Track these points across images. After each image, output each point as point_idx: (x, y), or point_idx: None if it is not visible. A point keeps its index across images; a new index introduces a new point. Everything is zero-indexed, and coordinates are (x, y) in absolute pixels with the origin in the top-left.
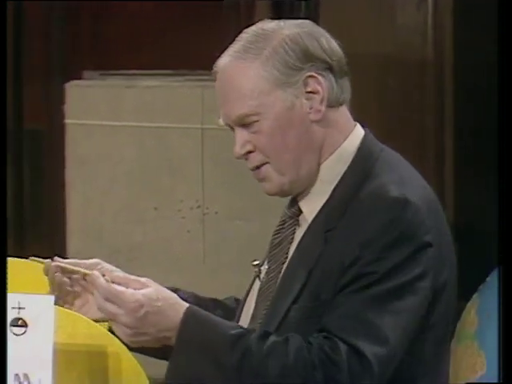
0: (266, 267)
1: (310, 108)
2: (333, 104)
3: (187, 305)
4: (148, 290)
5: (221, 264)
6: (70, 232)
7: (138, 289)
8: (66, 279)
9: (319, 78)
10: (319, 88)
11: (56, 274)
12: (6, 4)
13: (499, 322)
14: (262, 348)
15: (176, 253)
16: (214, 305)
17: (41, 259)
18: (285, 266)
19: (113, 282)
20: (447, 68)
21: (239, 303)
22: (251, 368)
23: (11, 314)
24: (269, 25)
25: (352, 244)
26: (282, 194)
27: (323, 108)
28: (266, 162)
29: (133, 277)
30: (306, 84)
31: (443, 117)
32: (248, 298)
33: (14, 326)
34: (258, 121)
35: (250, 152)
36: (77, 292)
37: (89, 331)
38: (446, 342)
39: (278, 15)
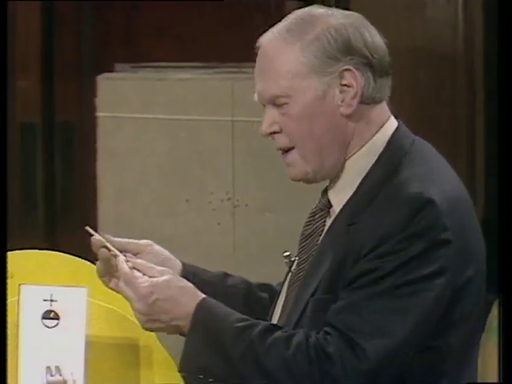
0: (297, 258)
1: (342, 101)
2: (367, 101)
3: (203, 296)
4: (161, 279)
5: (251, 256)
6: (101, 224)
7: (155, 277)
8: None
9: (356, 72)
10: (354, 82)
11: (101, 249)
12: (7, 4)
13: None
14: (264, 341)
15: (206, 245)
16: (263, 287)
17: (92, 232)
18: (312, 257)
19: (134, 268)
20: (477, 61)
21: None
22: (253, 360)
23: (43, 307)
24: (317, 11)
25: (369, 237)
26: (305, 181)
27: (355, 103)
28: (293, 147)
29: (150, 264)
30: (341, 76)
31: (474, 110)
32: (282, 289)
33: (45, 318)
34: (288, 103)
35: (276, 132)
36: None
37: (121, 324)
38: (475, 338)
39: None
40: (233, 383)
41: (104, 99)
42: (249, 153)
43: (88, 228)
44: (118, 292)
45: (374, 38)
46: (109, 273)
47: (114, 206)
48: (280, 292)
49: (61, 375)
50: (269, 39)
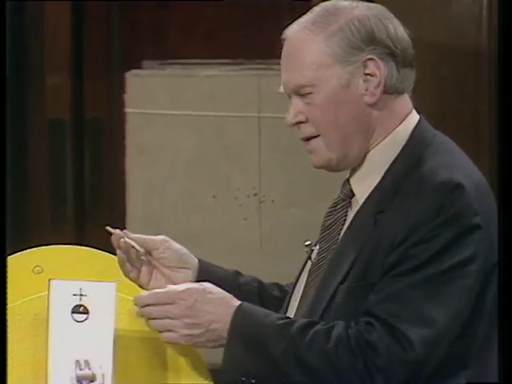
0: (318, 248)
1: (366, 90)
2: (391, 91)
3: (239, 302)
4: (197, 284)
5: (277, 250)
6: (129, 219)
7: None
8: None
9: (379, 62)
10: (377, 72)
11: (122, 240)
12: (6, 4)
13: None
14: (304, 337)
15: (233, 240)
16: (274, 287)
17: (112, 230)
18: (336, 246)
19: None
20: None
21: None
22: (295, 356)
23: (73, 301)
24: (342, 3)
25: (401, 226)
26: (328, 168)
27: (378, 92)
28: (317, 135)
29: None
30: (365, 66)
31: (498, 109)
32: (300, 278)
33: (75, 312)
34: (312, 93)
35: (301, 122)
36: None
37: None
38: (494, 326)
39: None
40: (275, 382)
41: (132, 96)
42: (275, 149)
43: (108, 228)
44: (137, 284)
45: (396, 29)
46: (129, 262)
47: (143, 202)
48: (296, 283)
49: (90, 369)
50: (294, 31)
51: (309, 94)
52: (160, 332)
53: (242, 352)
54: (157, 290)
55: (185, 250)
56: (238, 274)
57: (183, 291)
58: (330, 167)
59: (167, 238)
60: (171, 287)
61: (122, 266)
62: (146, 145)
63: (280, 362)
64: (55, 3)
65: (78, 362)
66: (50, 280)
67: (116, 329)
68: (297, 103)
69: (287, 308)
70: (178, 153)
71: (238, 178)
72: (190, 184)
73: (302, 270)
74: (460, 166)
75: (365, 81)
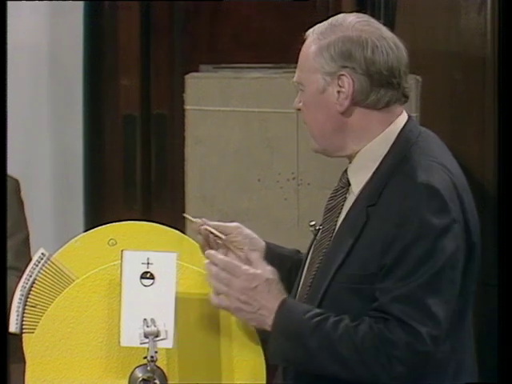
0: (322, 228)
1: (337, 99)
2: (362, 104)
3: (284, 296)
4: (266, 270)
5: None
6: (188, 200)
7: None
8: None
9: (349, 78)
10: (347, 86)
11: (202, 227)
12: (6, 4)
13: None
14: (337, 331)
15: (275, 217)
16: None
17: (191, 218)
18: (335, 228)
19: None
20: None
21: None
22: (328, 349)
23: (141, 269)
24: (348, 19)
25: (389, 223)
26: (322, 153)
27: (346, 103)
28: None
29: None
30: (339, 79)
31: (501, 109)
32: (308, 255)
33: (143, 278)
34: (303, 91)
35: (300, 109)
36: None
37: (205, 283)
38: (469, 305)
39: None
40: (312, 370)
41: (191, 95)
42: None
43: (187, 216)
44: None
45: (377, 53)
46: (208, 245)
47: (199, 185)
48: (306, 257)
49: (155, 326)
50: (309, 35)
51: (302, 90)
52: (213, 293)
53: (283, 344)
54: (230, 259)
55: (254, 235)
56: (298, 252)
57: (250, 273)
58: (323, 153)
59: (239, 225)
60: (244, 266)
61: (202, 247)
62: (202, 137)
63: (315, 353)
64: (126, 15)
65: (145, 320)
66: (122, 251)
67: (176, 291)
68: (300, 94)
69: (300, 279)
70: (229, 143)
71: (278, 165)
72: (239, 169)
73: (310, 247)
74: (438, 167)
75: (338, 92)
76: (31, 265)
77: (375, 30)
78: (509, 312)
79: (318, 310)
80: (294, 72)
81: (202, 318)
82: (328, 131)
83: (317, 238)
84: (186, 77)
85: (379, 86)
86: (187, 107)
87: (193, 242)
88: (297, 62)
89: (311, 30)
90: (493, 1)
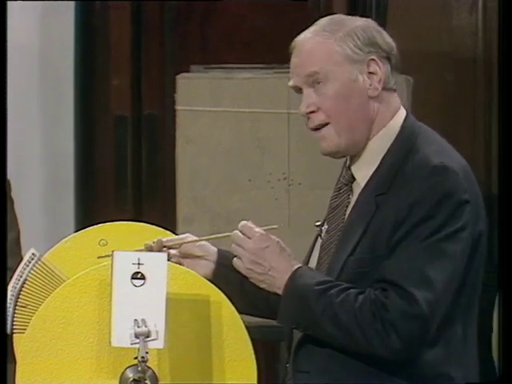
0: (326, 227)
1: (370, 85)
2: (387, 87)
3: (299, 264)
4: (274, 237)
5: (303, 226)
6: (179, 200)
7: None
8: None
9: (379, 62)
10: (378, 70)
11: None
12: (6, 4)
13: None
14: (338, 298)
15: (266, 217)
16: None
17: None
18: (343, 225)
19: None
20: (494, 65)
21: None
22: (330, 314)
23: (132, 269)
24: (344, 17)
25: (402, 206)
26: (336, 154)
27: (380, 87)
28: (327, 123)
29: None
30: (368, 65)
31: (491, 106)
32: (312, 254)
33: (134, 278)
34: (324, 83)
35: (312, 112)
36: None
37: (195, 283)
38: (478, 291)
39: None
40: (317, 334)
41: (182, 95)
42: (302, 140)
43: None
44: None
45: (388, 39)
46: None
47: (190, 185)
48: (309, 257)
49: (146, 327)
50: (306, 38)
51: (321, 82)
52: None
53: (292, 307)
54: (249, 224)
55: (203, 242)
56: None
57: (262, 235)
58: (339, 153)
59: (190, 236)
60: (258, 228)
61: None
62: (193, 137)
63: (319, 317)
64: (117, 17)
65: (136, 320)
66: (113, 251)
67: (167, 292)
68: (309, 95)
69: None
70: (220, 143)
71: (269, 165)
72: (230, 169)
73: (313, 246)
74: (446, 152)
75: (369, 77)
76: (22, 265)
77: (372, 22)
78: (509, 312)
79: (327, 278)
80: (286, 72)
81: (192, 319)
82: (356, 122)
83: (323, 237)
84: (177, 77)
85: (395, 68)
86: (178, 107)
87: None
88: (288, 62)
89: (305, 33)
90: (484, 1)
